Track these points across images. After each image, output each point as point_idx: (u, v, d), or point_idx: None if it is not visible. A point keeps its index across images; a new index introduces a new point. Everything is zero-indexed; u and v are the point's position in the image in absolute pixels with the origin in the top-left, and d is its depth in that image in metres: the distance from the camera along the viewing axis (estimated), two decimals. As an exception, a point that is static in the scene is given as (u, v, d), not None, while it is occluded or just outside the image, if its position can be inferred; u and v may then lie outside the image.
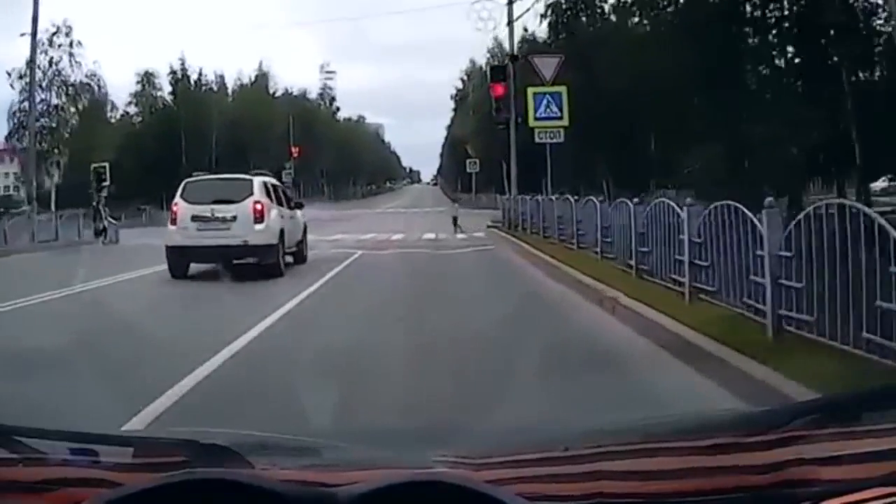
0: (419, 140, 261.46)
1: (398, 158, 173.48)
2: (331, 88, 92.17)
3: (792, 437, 1.22)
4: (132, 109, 69.89)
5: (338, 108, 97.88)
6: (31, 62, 31.18)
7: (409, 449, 1.59)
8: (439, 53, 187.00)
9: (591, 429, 1.78)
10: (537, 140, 22.32)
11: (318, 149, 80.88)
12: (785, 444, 1.20)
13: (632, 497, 1.10)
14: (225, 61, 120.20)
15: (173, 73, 69.54)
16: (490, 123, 56.94)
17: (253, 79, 77.14)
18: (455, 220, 28.26)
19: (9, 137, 47.11)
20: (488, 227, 26.85)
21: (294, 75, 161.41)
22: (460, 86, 78.65)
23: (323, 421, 3.98)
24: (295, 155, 70.21)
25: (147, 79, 68.70)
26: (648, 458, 1.19)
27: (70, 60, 45.50)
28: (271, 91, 78.93)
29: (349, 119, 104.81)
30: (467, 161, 62.88)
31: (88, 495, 1.09)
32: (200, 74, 70.99)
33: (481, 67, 68.24)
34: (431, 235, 26.19)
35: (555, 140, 22.43)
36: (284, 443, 1.70)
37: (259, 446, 1.51)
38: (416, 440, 1.78)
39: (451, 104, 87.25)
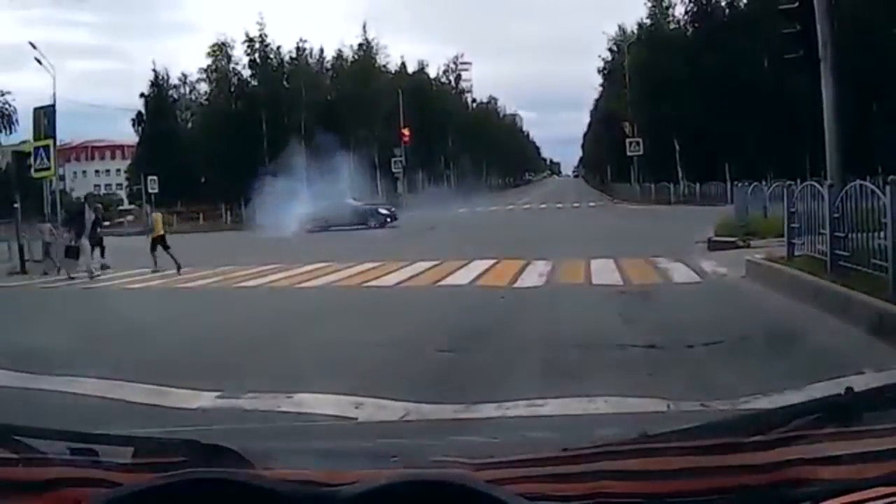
0: (558, 132, 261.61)
1: (538, 150, 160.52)
2: (466, 80, 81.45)
3: (792, 437, 1.22)
4: (202, 87, 60.83)
5: (474, 100, 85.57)
6: None
7: (409, 448, 1.59)
8: (578, 47, 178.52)
9: (590, 428, 1.78)
10: None
11: (441, 134, 69.66)
12: (785, 444, 1.19)
13: (632, 497, 1.10)
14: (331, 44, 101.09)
15: (250, 41, 58.07)
16: (653, 90, 48.09)
17: (355, 48, 63.71)
18: None
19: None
20: (756, 262, 12.57)
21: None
22: (608, 57, 65.10)
23: None
24: (406, 139, 57.83)
25: (221, 50, 58.37)
26: (648, 458, 1.19)
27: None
28: (382, 63, 65.00)
29: (480, 103, 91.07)
30: (626, 141, 50.38)
31: (88, 495, 1.08)
32: (299, 47, 60.24)
33: (639, 26, 56.89)
34: (612, 278, 13.04)
35: None
36: (285, 442, 1.70)
37: (259, 445, 1.51)
38: (416, 439, 1.79)
39: (598, 83, 71.45)
